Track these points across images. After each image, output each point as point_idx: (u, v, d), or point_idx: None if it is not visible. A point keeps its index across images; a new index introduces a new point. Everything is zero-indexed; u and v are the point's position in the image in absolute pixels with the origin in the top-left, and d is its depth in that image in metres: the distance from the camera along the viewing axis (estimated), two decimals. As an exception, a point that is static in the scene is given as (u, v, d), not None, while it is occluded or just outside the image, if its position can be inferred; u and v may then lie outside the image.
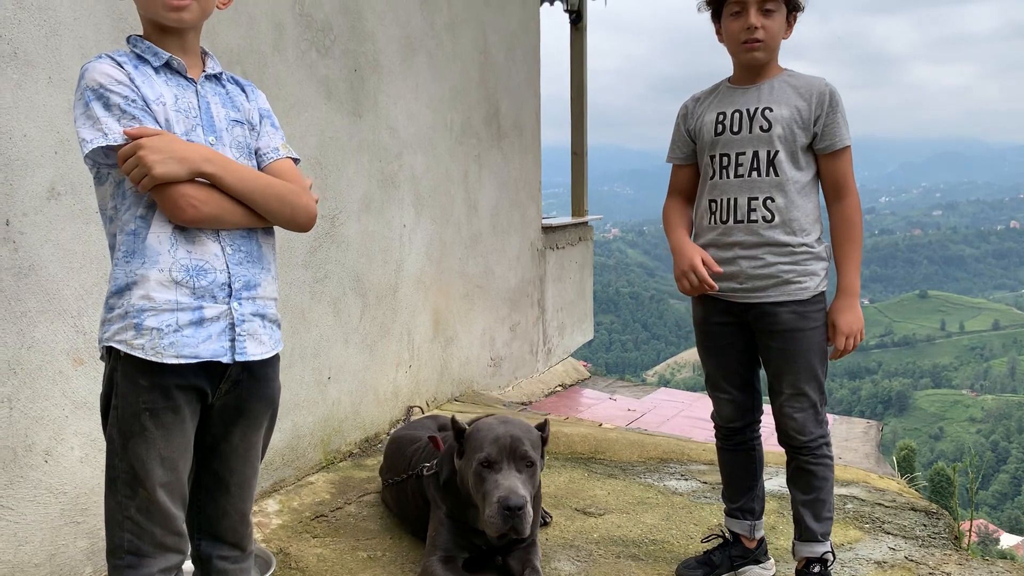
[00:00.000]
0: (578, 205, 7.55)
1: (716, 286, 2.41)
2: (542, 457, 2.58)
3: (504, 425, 2.52)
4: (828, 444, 2.47)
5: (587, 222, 7.45)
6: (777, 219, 2.36)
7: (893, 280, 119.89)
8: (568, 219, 7.19)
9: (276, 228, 1.79)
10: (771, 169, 2.36)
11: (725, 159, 2.42)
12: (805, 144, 2.37)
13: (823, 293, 2.43)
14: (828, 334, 2.43)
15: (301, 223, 1.77)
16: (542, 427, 2.61)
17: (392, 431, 3.60)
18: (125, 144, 1.54)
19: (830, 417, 5.94)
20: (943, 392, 69.02)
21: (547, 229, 6.39)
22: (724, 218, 2.42)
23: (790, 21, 2.41)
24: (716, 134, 2.44)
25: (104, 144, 1.54)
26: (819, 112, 2.34)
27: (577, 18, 7.48)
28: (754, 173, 2.38)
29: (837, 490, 3.48)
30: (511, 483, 2.39)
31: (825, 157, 2.38)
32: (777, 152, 2.35)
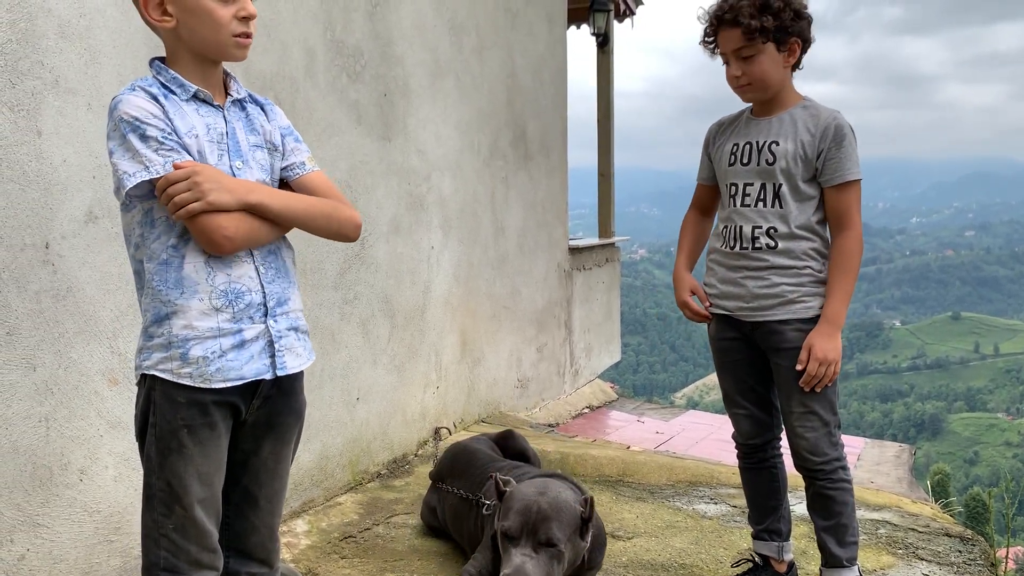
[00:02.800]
0: (605, 226, 7.56)
1: (709, 316, 2.58)
2: (583, 536, 2.37)
3: (540, 496, 2.33)
4: (844, 468, 2.45)
5: (614, 243, 7.46)
6: (780, 247, 2.41)
7: (925, 301, 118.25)
8: (595, 240, 7.21)
9: (297, 243, 1.82)
10: (776, 201, 2.41)
11: (734, 188, 2.49)
12: (808, 177, 2.39)
13: None
14: (800, 357, 2.37)
15: (348, 234, 1.83)
16: (586, 504, 2.37)
17: (454, 441, 3.51)
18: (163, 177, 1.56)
19: (860, 440, 5.88)
20: (978, 415, 67.77)
21: (574, 250, 6.40)
22: (732, 244, 2.49)
23: (788, 51, 2.37)
24: (729, 164, 2.51)
25: (148, 178, 1.55)
26: (823, 146, 2.35)
27: (604, 41, 7.53)
28: (760, 203, 2.43)
29: (869, 515, 3.43)
30: (519, 562, 2.23)
31: (828, 189, 2.39)
32: (781, 185, 2.40)
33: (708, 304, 2.59)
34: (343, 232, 1.81)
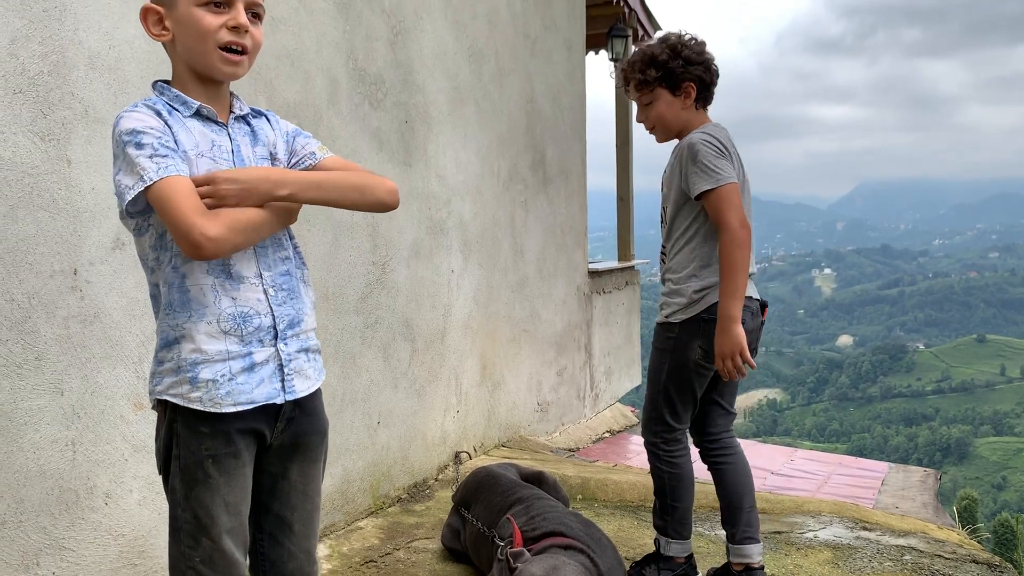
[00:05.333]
0: (624, 249, 7.56)
1: None
2: None
3: (552, 573, 2.24)
4: (657, 456, 2.77)
5: (634, 266, 7.46)
6: (666, 264, 2.75)
7: (949, 324, 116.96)
8: (614, 263, 7.21)
9: (318, 269, 1.81)
10: (666, 225, 2.75)
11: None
12: (683, 198, 2.63)
13: (679, 324, 2.66)
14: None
15: (387, 201, 1.74)
16: None
17: (477, 467, 3.46)
18: (150, 185, 1.50)
19: (884, 465, 5.81)
20: (1005, 440, 66.68)
21: (593, 273, 6.41)
22: None
23: (684, 93, 2.64)
24: None
25: (144, 187, 1.50)
26: (683, 167, 2.59)
27: (622, 66, 7.57)
28: (664, 227, 2.78)
29: (894, 540, 3.39)
30: None
31: (702, 202, 2.58)
32: (667, 209, 2.72)
33: None
34: (379, 199, 1.72)
